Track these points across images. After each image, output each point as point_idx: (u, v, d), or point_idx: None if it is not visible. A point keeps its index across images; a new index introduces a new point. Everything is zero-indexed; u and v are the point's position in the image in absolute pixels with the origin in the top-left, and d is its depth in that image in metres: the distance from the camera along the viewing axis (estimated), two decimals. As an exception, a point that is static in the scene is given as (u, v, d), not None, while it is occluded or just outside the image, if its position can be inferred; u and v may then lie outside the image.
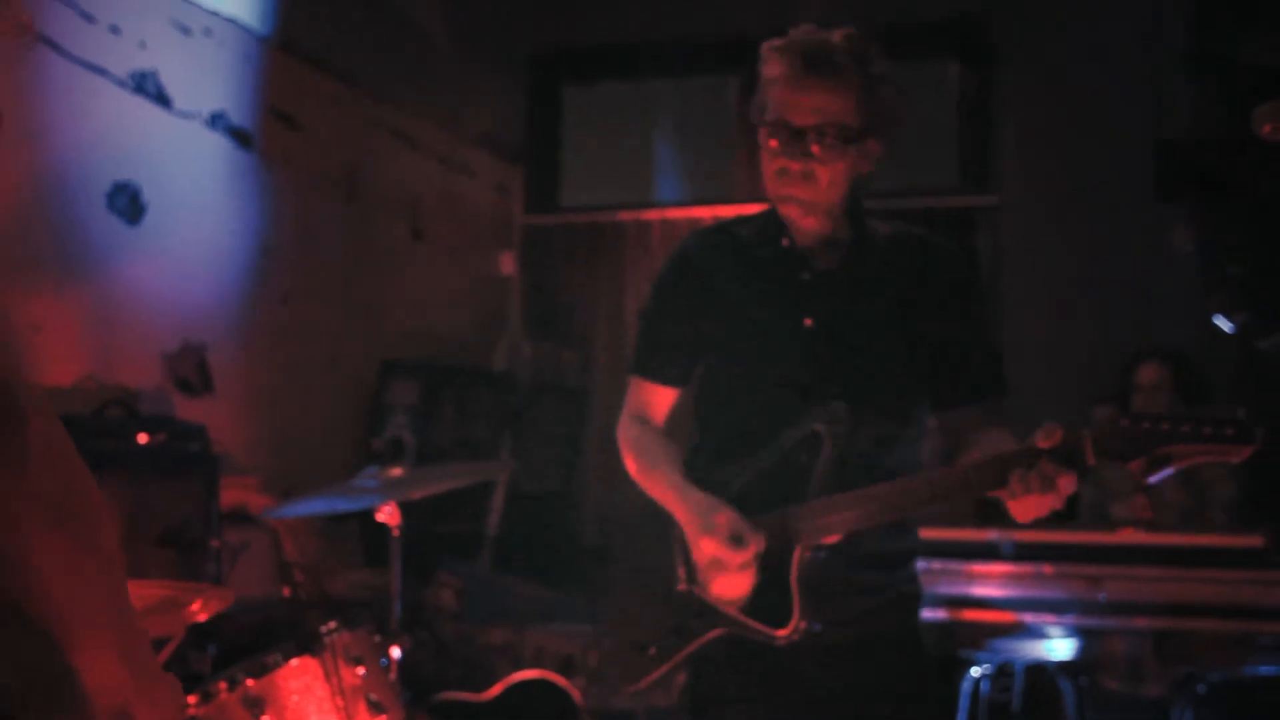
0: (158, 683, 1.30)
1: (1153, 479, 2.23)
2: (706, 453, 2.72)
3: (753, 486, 2.57)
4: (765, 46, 2.57)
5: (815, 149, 2.49)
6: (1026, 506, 2.28)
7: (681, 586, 2.62)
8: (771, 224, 2.66)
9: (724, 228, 2.78)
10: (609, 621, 2.89)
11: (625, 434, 2.80)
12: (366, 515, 3.68)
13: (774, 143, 2.53)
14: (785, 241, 2.63)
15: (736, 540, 2.46)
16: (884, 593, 2.65)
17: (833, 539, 2.51)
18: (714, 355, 2.70)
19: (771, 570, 2.49)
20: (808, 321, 2.61)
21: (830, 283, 2.62)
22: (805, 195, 2.54)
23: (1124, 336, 6.08)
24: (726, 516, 2.49)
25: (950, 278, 2.67)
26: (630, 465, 2.76)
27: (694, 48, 7.36)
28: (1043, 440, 2.25)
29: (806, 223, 2.60)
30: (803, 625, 2.46)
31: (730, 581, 2.51)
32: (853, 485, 2.48)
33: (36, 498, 1.16)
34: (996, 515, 4.10)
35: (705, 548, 2.50)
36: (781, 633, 2.48)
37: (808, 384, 2.58)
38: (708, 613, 2.58)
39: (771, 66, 2.54)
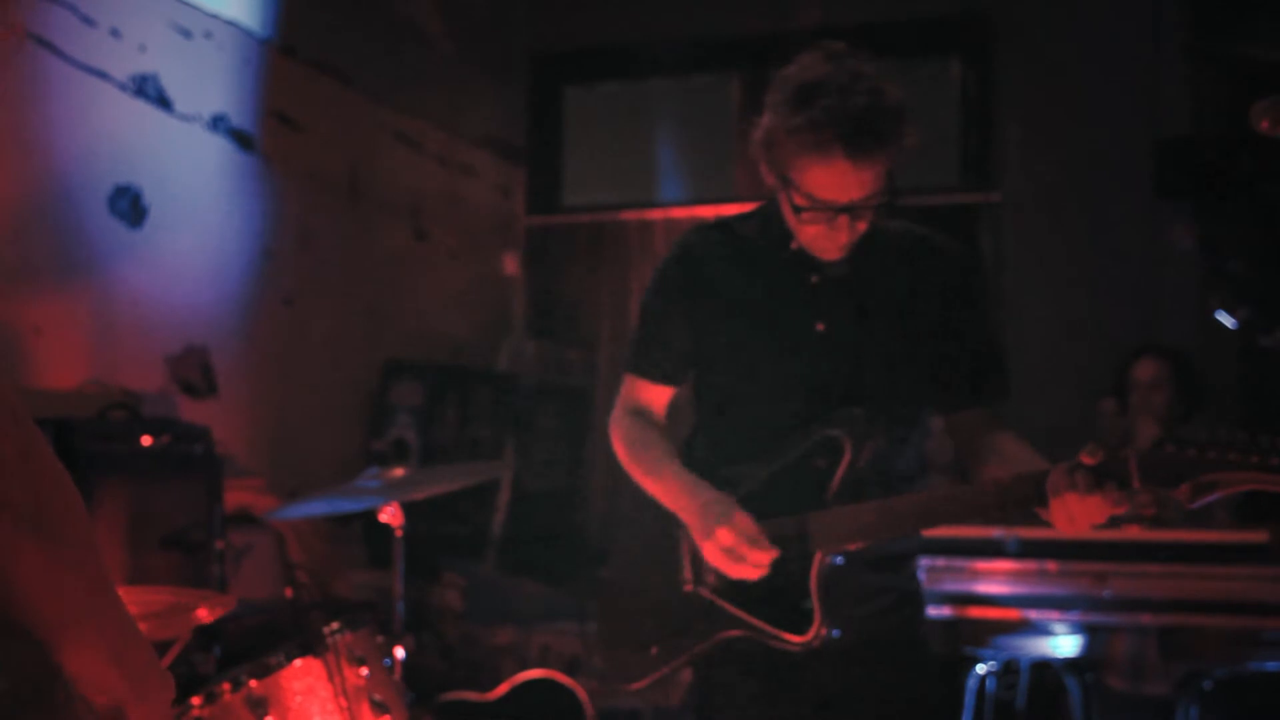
0: (151, 680, 1.30)
1: (1197, 504, 2.17)
2: (705, 451, 2.69)
3: (764, 488, 2.53)
4: (794, 111, 2.38)
5: (862, 213, 2.45)
6: (1070, 511, 2.22)
7: (688, 587, 2.59)
8: (776, 223, 2.60)
9: (723, 225, 2.72)
10: (609, 620, 2.85)
11: (620, 426, 2.76)
12: (370, 516, 3.68)
13: (813, 217, 2.45)
14: (795, 244, 2.58)
15: (753, 540, 2.43)
16: (889, 594, 2.64)
17: (854, 546, 2.49)
18: (717, 356, 2.67)
19: (789, 575, 2.46)
20: (819, 326, 2.58)
21: (840, 286, 2.59)
22: (842, 245, 2.52)
23: (1124, 332, 6.08)
24: (745, 516, 2.45)
25: (957, 278, 2.65)
26: (624, 457, 2.72)
27: (695, 47, 7.36)
28: (1087, 457, 2.21)
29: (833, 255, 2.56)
30: (823, 632, 2.45)
31: (743, 570, 2.45)
32: (867, 489, 2.47)
33: (11, 507, 1.16)
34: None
35: (722, 537, 2.43)
36: (801, 639, 2.45)
37: (821, 388, 2.56)
38: (717, 614, 2.56)
39: (802, 142, 2.38)
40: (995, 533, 4.26)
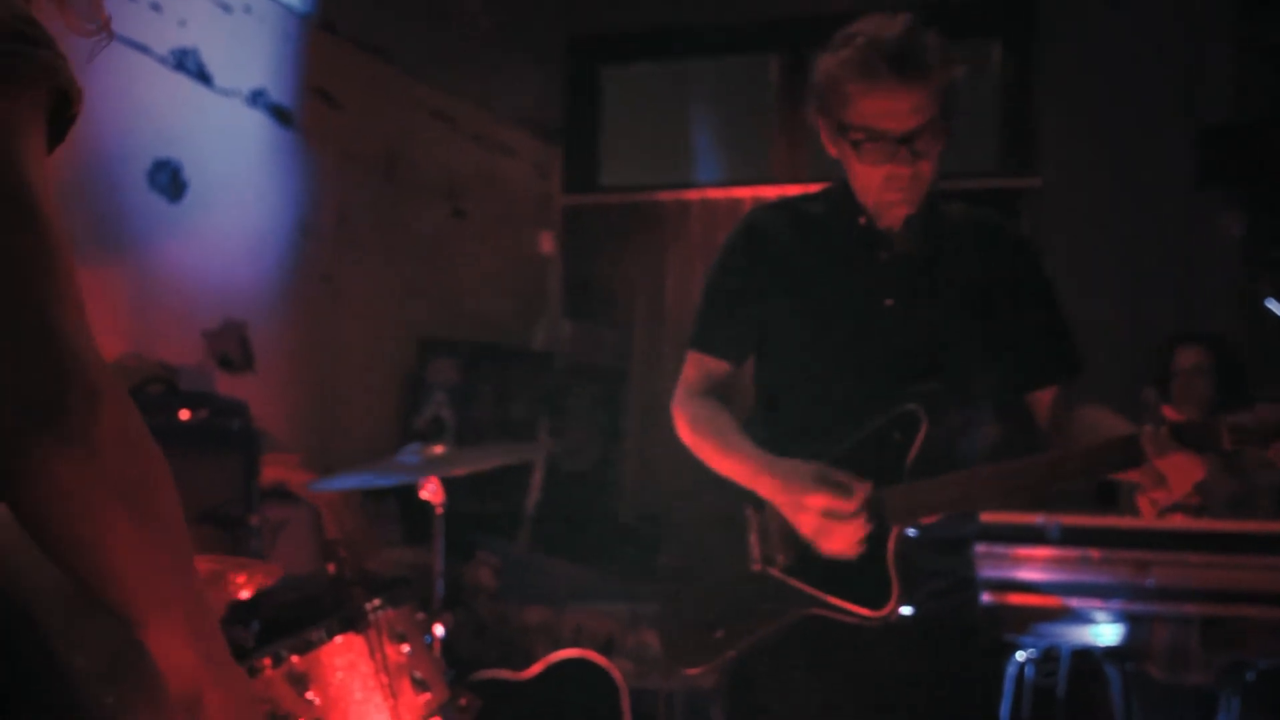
0: (228, 668, 1.27)
1: None
2: (767, 431, 2.66)
3: (839, 463, 2.50)
4: (839, 49, 2.51)
5: (921, 148, 2.47)
6: (1163, 473, 2.25)
7: (756, 567, 2.57)
8: (845, 201, 2.62)
9: (790, 204, 2.74)
10: (671, 603, 2.82)
11: (686, 408, 2.73)
12: (406, 494, 3.67)
13: (873, 151, 2.48)
14: (863, 220, 2.60)
15: (844, 489, 2.42)
16: (947, 577, 2.62)
17: (931, 519, 2.49)
18: (785, 333, 2.66)
19: (863, 550, 2.44)
20: (888, 301, 2.58)
21: (909, 263, 2.59)
22: (914, 194, 2.53)
23: (1165, 320, 6.03)
24: (829, 468, 2.45)
25: (1021, 258, 2.67)
26: (692, 439, 2.70)
27: (732, 28, 7.32)
28: (1176, 417, 2.27)
29: (903, 211, 2.57)
30: (899, 607, 2.43)
31: (844, 533, 2.43)
32: (935, 466, 2.46)
33: (109, 482, 1.14)
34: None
35: (814, 502, 2.42)
36: (878, 613, 2.43)
37: (893, 364, 2.56)
38: (789, 593, 2.53)
39: (850, 69, 2.46)
40: (1037, 519, 4.23)
